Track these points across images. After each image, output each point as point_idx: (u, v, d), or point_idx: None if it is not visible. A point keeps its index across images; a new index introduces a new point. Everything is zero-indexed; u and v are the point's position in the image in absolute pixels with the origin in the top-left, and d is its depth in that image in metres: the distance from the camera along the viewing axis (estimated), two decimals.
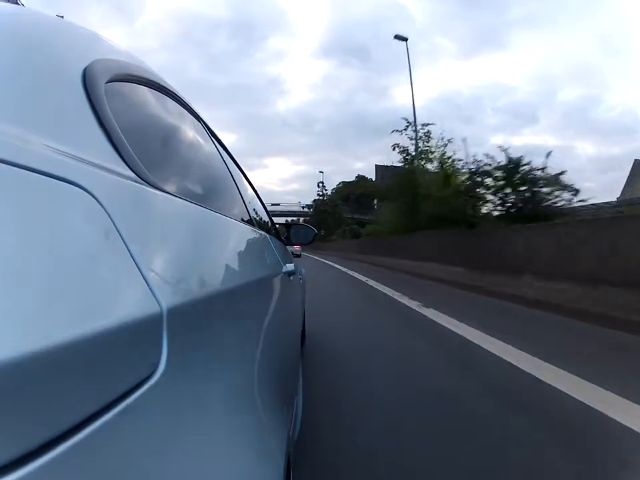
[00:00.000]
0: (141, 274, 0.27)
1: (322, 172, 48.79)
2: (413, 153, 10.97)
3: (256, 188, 1.43)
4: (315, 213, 41.22)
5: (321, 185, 43.29)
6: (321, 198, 42.47)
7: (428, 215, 7.72)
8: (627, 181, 21.73)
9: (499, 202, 6.15)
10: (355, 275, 8.01)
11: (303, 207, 45.64)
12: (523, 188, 5.71)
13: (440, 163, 9.61)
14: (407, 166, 11.03)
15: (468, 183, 6.83)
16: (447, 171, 8.58)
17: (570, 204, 5.51)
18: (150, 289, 0.27)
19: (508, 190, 5.90)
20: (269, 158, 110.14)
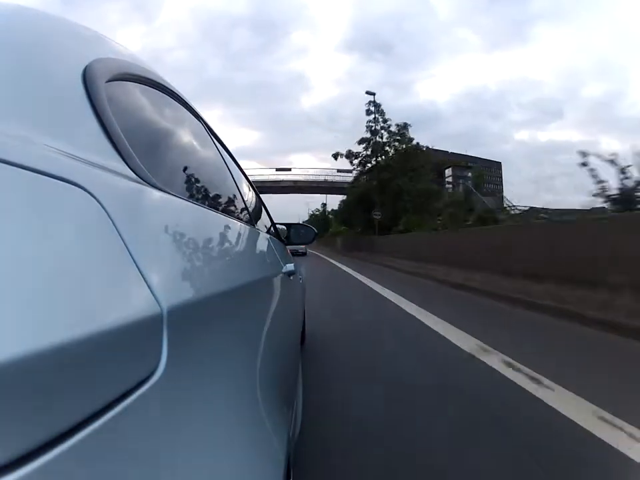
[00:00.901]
0: (141, 274, 0.27)
1: (373, 93, 18.14)
2: None
3: (256, 187, 1.43)
4: (365, 173, 18.92)
5: (372, 107, 18.19)
6: (374, 139, 18.25)
7: None
8: None
9: None
10: None
11: (338, 155, 19.30)
12: None
13: None
14: None
15: None
16: None
17: None
18: (150, 289, 0.27)
19: None
20: (294, 155, 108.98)
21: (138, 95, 0.57)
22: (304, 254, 15.97)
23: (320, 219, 40.43)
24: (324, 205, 41.35)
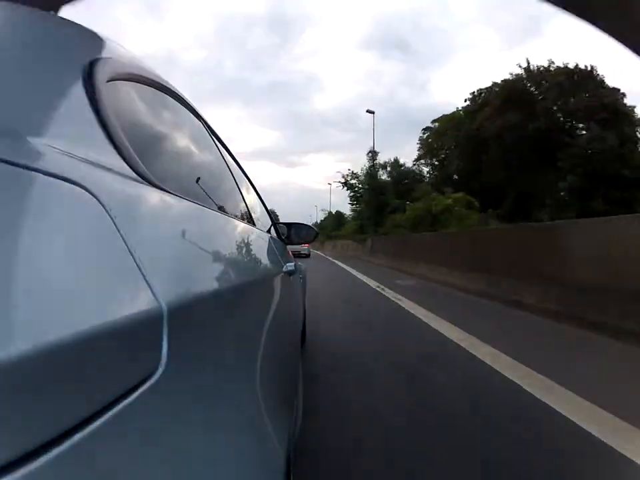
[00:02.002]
0: (141, 273, 0.27)
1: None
2: None
3: (256, 187, 1.43)
4: None
5: None
6: None
7: None
8: None
9: None
10: None
11: None
12: None
13: None
14: None
15: None
16: None
17: None
18: (150, 288, 0.27)
19: None
20: (311, 155, 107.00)
21: (138, 95, 0.57)
22: (307, 255, 14.49)
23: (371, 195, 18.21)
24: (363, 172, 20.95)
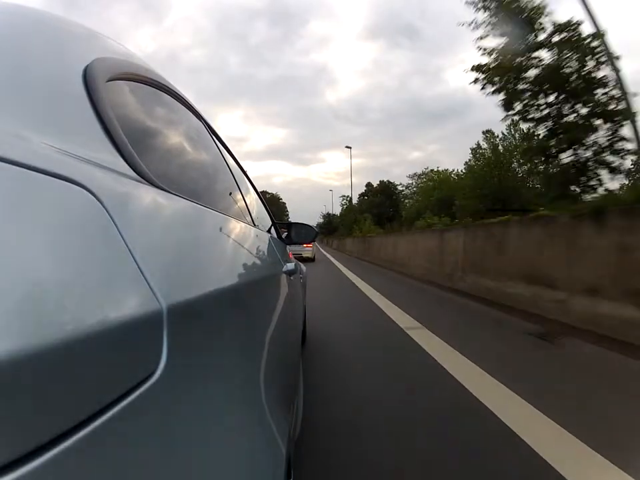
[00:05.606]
0: (141, 272, 0.27)
1: None
2: None
3: (257, 187, 1.43)
4: None
5: None
6: None
7: None
8: None
9: None
10: None
11: None
12: None
13: None
14: None
15: None
16: None
17: None
18: (150, 288, 0.27)
19: None
20: (325, 152, 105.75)
21: (138, 95, 0.56)
22: (312, 259, 11.94)
23: None
24: None
